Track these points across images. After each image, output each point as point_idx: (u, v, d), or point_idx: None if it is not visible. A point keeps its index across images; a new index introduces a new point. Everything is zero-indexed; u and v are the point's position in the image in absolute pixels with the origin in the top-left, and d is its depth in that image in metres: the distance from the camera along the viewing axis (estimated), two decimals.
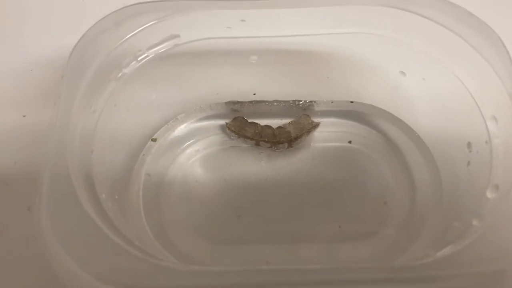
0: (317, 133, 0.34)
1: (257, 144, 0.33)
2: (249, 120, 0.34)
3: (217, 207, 0.31)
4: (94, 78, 0.26)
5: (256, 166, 0.33)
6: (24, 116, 0.34)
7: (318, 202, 0.31)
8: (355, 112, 0.34)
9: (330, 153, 0.33)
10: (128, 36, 0.28)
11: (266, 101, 0.34)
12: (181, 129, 0.34)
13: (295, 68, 0.32)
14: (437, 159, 0.31)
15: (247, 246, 0.30)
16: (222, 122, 0.34)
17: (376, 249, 0.29)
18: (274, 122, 0.34)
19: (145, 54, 0.29)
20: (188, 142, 0.33)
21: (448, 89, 0.29)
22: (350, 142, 0.34)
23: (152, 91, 0.32)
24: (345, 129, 0.34)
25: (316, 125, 0.34)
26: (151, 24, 0.28)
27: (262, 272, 0.21)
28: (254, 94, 0.34)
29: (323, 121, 0.34)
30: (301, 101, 0.34)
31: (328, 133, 0.34)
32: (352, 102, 0.34)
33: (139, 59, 0.29)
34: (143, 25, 0.28)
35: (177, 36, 0.29)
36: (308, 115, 0.34)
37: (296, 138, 0.33)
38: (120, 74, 0.28)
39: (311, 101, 0.34)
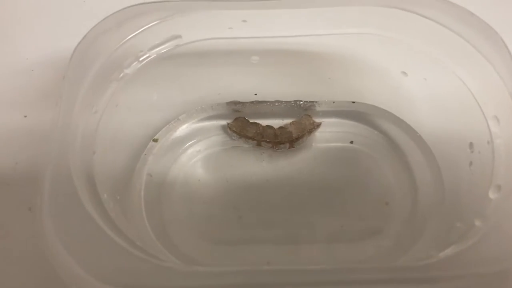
0: (318, 134, 0.34)
1: (259, 145, 0.33)
2: (251, 121, 0.34)
3: (218, 207, 0.31)
4: (95, 79, 0.26)
5: (258, 166, 0.33)
6: (25, 116, 0.34)
7: (320, 203, 0.31)
8: (356, 112, 0.34)
9: (331, 153, 0.33)
10: (129, 37, 0.28)
11: (268, 102, 0.34)
12: (183, 129, 0.34)
13: (296, 69, 0.32)
14: (439, 159, 0.31)
15: (248, 247, 0.30)
16: (224, 122, 0.34)
17: (378, 250, 0.29)
18: (276, 123, 0.34)
19: (147, 55, 0.29)
20: (190, 143, 0.33)
21: (450, 89, 0.29)
22: (351, 142, 0.33)
23: (153, 92, 0.32)
24: (347, 129, 0.34)
25: (318, 125, 0.34)
26: (153, 25, 0.28)
27: (263, 273, 0.21)
28: (256, 94, 0.34)
29: (325, 121, 0.34)
30: (303, 101, 0.34)
31: (329, 133, 0.34)
32: (353, 102, 0.34)
33: (140, 59, 0.29)
34: (145, 26, 0.28)
35: (179, 36, 0.29)
36: (309, 115, 0.34)
37: (297, 139, 0.33)
38: (121, 75, 0.28)
39: (312, 101, 0.34)
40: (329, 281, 0.21)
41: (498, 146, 0.25)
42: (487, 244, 0.21)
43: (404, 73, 0.31)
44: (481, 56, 0.26)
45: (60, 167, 0.23)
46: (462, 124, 0.29)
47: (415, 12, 0.28)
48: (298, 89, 0.34)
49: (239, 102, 0.34)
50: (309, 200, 0.31)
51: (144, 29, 0.28)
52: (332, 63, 0.32)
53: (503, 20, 0.28)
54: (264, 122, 0.34)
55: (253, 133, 0.33)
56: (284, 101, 0.34)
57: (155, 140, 0.33)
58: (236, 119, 0.34)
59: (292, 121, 0.34)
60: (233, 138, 0.34)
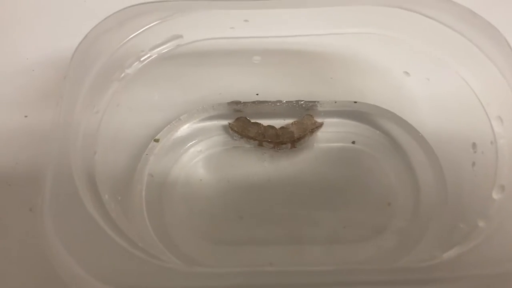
0: (320, 134, 0.34)
1: (260, 145, 0.33)
2: (252, 121, 0.34)
3: (220, 207, 0.31)
4: (96, 79, 0.26)
5: (259, 166, 0.33)
6: (26, 116, 0.34)
7: (321, 203, 0.31)
8: (358, 112, 0.34)
9: (333, 153, 0.33)
10: (130, 37, 0.28)
11: (269, 101, 0.34)
12: (184, 129, 0.34)
13: (298, 68, 0.32)
14: (442, 159, 0.31)
15: (249, 247, 0.30)
16: (225, 122, 0.34)
17: (380, 250, 0.29)
18: (277, 123, 0.34)
19: (148, 55, 0.29)
20: (191, 143, 0.33)
21: (453, 89, 0.29)
22: (353, 142, 0.33)
23: (154, 92, 0.32)
24: (349, 130, 0.34)
25: (320, 125, 0.34)
26: (154, 25, 0.28)
27: (265, 274, 0.21)
28: (257, 94, 0.34)
29: (327, 121, 0.34)
30: (304, 101, 0.34)
31: (331, 133, 0.34)
32: (355, 102, 0.34)
33: (141, 59, 0.29)
34: (146, 26, 0.28)
35: (180, 36, 0.29)
36: (311, 115, 0.34)
37: (299, 139, 0.33)
38: (122, 75, 0.28)
39: (314, 101, 0.34)
40: (331, 282, 0.21)
41: (501, 146, 0.25)
42: (491, 245, 0.21)
43: (406, 73, 0.31)
44: (484, 56, 0.26)
45: (61, 167, 0.23)
46: (465, 124, 0.29)
47: (417, 11, 0.28)
48: (300, 89, 0.34)
49: (241, 102, 0.34)
50: (311, 200, 0.31)
51: (145, 29, 0.28)
52: (334, 63, 0.32)
53: (506, 20, 0.28)
54: (265, 122, 0.34)
55: (254, 133, 0.33)
56: (285, 101, 0.34)
57: (156, 140, 0.33)
58: (237, 119, 0.34)
59: (294, 121, 0.34)
60: (235, 138, 0.33)
